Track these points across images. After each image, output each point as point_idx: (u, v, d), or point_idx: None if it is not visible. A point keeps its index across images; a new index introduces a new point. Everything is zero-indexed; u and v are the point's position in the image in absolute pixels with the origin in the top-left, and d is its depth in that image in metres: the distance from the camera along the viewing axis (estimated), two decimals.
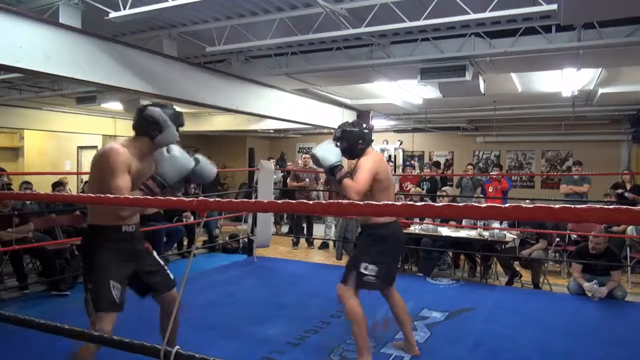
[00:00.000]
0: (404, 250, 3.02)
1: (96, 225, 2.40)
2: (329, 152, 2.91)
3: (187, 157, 2.42)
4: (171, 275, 2.61)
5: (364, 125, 3.09)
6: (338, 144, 3.00)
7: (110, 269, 2.33)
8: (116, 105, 8.52)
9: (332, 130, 11.63)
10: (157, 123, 2.41)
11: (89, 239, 2.43)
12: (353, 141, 3.00)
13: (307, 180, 8.20)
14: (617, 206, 0.97)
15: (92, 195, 2.16)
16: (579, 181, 7.21)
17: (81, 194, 7.69)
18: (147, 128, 2.43)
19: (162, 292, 2.56)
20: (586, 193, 7.18)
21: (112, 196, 2.01)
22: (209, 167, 2.57)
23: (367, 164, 2.89)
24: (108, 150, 2.33)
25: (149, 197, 2.19)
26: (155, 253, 2.63)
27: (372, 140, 3.10)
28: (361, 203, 1.28)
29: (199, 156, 2.53)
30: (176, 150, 2.40)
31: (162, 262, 2.63)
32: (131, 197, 2.20)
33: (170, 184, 2.37)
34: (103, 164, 2.32)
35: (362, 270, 2.90)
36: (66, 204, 6.11)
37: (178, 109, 2.57)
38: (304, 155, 9.52)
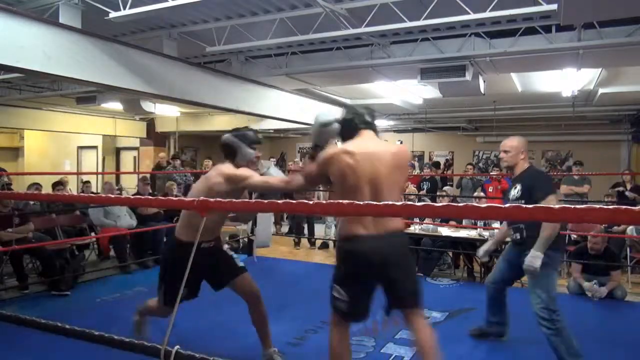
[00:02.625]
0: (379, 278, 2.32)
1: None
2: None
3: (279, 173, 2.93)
4: (239, 263, 3.01)
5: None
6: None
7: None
8: (116, 105, 8.52)
9: None
10: (230, 147, 2.85)
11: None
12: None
13: None
14: (617, 206, 0.97)
15: (92, 195, 2.16)
16: (580, 181, 7.20)
17: (81, 194, 7.69)
18: (227, 153, 2.87)
19: (230, 280, 2.94)
20: (586, 193, 7.17)
21: (112, 196, 2.00)
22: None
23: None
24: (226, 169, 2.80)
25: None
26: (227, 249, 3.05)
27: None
28: (361, 203, 1.27)
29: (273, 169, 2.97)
30: (272, 170, 2.92)
31: (231, 253, 3.04)
32: (142, 197, 2.25)
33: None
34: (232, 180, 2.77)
35: (334, 293, 2.36)
36: (66, 204, 6.11)
37: (251, 133, 2.96)
38: (307, 156, 9.53)
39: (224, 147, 2.88)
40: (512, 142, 3.33)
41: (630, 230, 5.88)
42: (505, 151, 3.31)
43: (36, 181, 6.64)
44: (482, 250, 3.58)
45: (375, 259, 2.27)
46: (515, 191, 3.15)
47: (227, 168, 2.80)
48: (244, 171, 2.79)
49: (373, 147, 2.40)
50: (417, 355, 2.51)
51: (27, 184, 6.69)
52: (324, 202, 1.35)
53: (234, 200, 1.63)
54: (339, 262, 2.39)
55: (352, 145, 2.38)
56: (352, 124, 2.50)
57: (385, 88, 7.78)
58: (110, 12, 4.28)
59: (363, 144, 2.39)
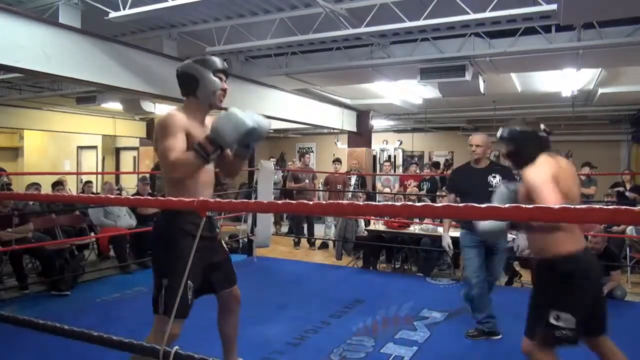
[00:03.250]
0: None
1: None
2: None
3: (246, 115, 2.10)
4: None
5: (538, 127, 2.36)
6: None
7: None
8: (116, 105, 8.52)
9: (332, 131, 11.60)
10: (191, 76, 2.22)
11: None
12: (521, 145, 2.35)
13: (307, 181, 8.20)
14: (617, 206, 0.97)
15: (92, 195, 2.16)
16: (587, 183, 7.17)
17: (81, 194, 7.69)
18: (187, 87, 2.25)
19: (224, 288, 2.45)
20: (593, 195, 7.13)
21: (112, 196, 2.00)
22: (265, 122, 2.22)
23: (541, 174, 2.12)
24: (162, 116, 2.17)
25: (201, 159, 2.01)
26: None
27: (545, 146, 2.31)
28: (360, 204, 1.27)
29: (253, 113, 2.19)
30: (235, 109, 2.12)
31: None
32: (142, 197, 2.14)
33: (227, 142, 2.05)
34: (157, 132, 2.12)
35: (552, 321, 2.07)
36: (66, 204, 6.11)
37: (215, 58, 2.31)
38: (307, 156, 9.52)
39: (181, 79, 2.27)
40: (482, 138, 3.71)
41: (630, 230, 5.88)
42: (478, 145, 3.67)
43: (36, 181, 6.64)
44: (448, 245, 3.99)
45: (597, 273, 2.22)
46: (495, 180, 3.56)
47: (162, 121, 2.14)
48: (171, 139, 2.06)
49: None
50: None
51: (27, 184, 6.69)
52: (324, 202, 1.35)
53: (233, 200, 1.61)
54: (561, 284, 2.09)
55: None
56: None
57: (385, 88, 7.78)
58: (110, 12, 4.28)
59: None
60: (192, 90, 2.23)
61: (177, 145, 2.04)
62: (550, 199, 1.96)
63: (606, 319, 2.24)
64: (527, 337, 2.18)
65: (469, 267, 3.64)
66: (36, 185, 6.29)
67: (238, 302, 2.55)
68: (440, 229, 5.82)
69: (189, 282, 2.10)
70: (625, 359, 2.27)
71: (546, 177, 2.06)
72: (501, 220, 2.10)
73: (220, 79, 2.27)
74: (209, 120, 2.31)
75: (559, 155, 2.33)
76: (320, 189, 9.17)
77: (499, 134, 2.50)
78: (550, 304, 2.08)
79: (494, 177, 3.60)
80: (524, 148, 2.30)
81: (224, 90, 2.31)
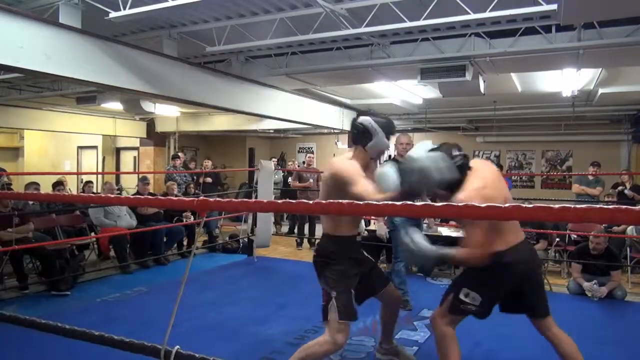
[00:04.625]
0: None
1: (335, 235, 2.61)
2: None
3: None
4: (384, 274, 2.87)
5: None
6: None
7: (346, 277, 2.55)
8: (116, 105, 8.52)
9: (332, 131, 11.62)
10: (367, 131, 2.52)
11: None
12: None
13: (311, 180, 8.20)
14: (617, 206, 0.97)
15: (92, 195, 2.16)
16: (593, 183, 7.11)
17: (81, 193, 7.69)
18: (359, 137, 2.55)
19: (381, 289, 2.78)
20: (598, 196, 7.06)
21: (112, 196, 2.00)
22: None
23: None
24: (337, 164, 2.52)
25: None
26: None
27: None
28: (360, 203, 1.27)
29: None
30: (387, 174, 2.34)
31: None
32: (142, 197, 2.19)
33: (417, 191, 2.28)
34: (337, 179, 2.43)
35: (461, 296, 2.44)
36: (66, 204, 6.11)
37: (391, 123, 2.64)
38: (308, 155, 9.53)
39: (357, 129, 2.55)
40: (410, 138, 4.21)
41: (630, 230, 5.88)
42: (407, 144, 4.16)
43: (37, 181, 6.64)
44: (382, 235, 4.38)
45: (519, 271, 2.46)
46: None
47: (342, 162, 2.51)
48: (353, 174, 2.38)
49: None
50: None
51: (26, 184, 6.69)
52: (323, 202, 1.35)
53: (233, 200, 1.61)
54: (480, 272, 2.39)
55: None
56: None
57: (385, 88, 7.78)
58: (110, 12, 4.27)
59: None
60: (365, 142, 2.55)
61: (368, 188, 2.33)
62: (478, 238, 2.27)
63: (537, 306, 2.51)
64: (439, 305, 2.54)
65: (397, 247, 4.21)
66: (35, 185, 6.29)
67: (395, 296, 2.97)
68: (440, 229, 5.83)
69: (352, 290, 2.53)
70: (572, 344, 2.46)
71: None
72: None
73: (389, 139, 2.60)
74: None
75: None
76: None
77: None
78: (465, 283, 2.45)
79: None
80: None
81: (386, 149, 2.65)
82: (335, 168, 2.50)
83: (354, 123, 2.58)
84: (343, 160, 2.55)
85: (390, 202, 1.22)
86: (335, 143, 12.19)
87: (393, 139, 2.64)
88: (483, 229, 2.23)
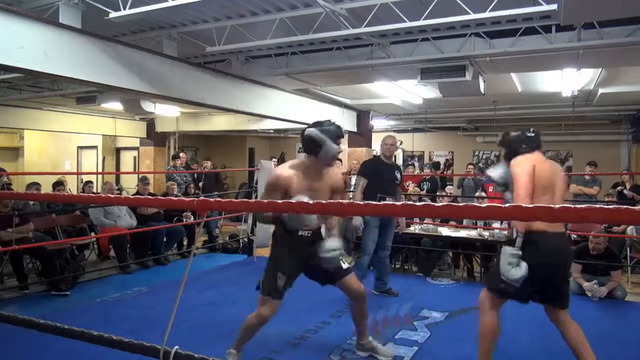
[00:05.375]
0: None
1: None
2: None
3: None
4: (343, 265, 2.96)
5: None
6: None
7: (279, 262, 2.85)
8: (116, 105, 8.52)
9: None
10: (315, 142, 2.73)
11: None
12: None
13: None
14: (617, 206, 0.97)
15: (92, 195, 2.16)
16: (590, 182, 7.12)
17: (81, 193, 7.69)
18: (310, 149, 2.76)
19: (333, 279, 2.98)
20: (595, 195, 7.08)
21: (112, 196, 2.00)
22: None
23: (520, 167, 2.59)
24: (274, 174, 2.84)
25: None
26: None
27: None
28: (361, 203, 1.27)
29: None
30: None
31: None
32: (142, 197, 2.20)
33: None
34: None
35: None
36: (66, 204, 6.11)
37: (335, 124, 2.82)
38: None
39: (307, 142, 2.77)
40: (394, 139, 4.68)
41: (631, 230, 5.88)
42: (392, 144, 4.61)
43: (36, 181, 6.64)
44: (359, 227, 4.61)
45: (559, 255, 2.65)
46: (399, 176, 4.68)
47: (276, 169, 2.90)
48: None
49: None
50: None
51: (27, 184, 6.69)
52: (323, 202, 1.35)
53: (233, 200, 1.61)
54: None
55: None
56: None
57: (385, 88, 7.78)
58: (110, 12, 4.27)
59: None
60: (315, 153, 2.76)
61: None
62: (523, 190, 2.49)
63: (564, 296, 2.67)
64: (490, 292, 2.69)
65: (370, 243, 4.54)
66: (37, 185, 6.29)
67: (355, 290, 3.07)
68: (440, 229, 5.83)
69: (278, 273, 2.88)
70: (583, 336, 2.65)
71: (525, 171, 2.53)
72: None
73: (338, 143, 2.78)
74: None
75: (547, 156, 2.81)
76: None
77: (497, 139, 2.92)
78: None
79: (397, 173, 4.67)
80: (514, 149, 2.72)
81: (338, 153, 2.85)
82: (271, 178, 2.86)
83: (302, 136, 2.80)
84: (278, 168, 2.90)
85: (390, 203, 1.22)
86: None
87: (342, 142, 2.86)
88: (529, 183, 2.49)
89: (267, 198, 2.69)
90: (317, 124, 2.79)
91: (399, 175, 4.68)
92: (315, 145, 2.72)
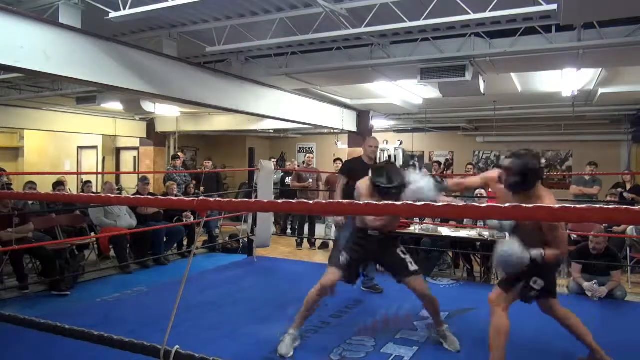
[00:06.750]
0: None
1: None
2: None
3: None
4: (410, 268, 3.38)
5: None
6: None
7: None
8: (116, 105, 8.52)
9: (332, 131, 11.60)
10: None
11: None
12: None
13: (310, 180, 8.20)
14: (617, 206, 0.97)
15: (92, 195, 2.16)
16: (590, 182, 7.12)
17: (81, 193, 7.69)
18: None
19: (399, 278, 3.43)
20: (596, 195, 7.09)
21: (112, 196, 2.00)
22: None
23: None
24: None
25: None
26: (400, 251, 3.47)
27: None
28: (360, 203, 1.27)
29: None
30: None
31: (404, 257, 3.46)
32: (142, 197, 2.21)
33: None
34: None
35: (531, 284, 2.79)
36: (66, 204, 6.11)
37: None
38: (308, 155, 9.52)
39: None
40: (377, 141, 4.77)
41: (631, 230, 5.88)
42: (376, 147, 4.72)
43: (36, 181, 6.64)
44: (339, 223, 4.61)
45: None
46: None
47: None
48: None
49: None
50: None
51: (24, 184, 6.70)
52: (324, 201, 1.35)
53: (233, 200, 1.61)
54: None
55: None
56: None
57: (385, 88, 7.78)
58: (110, 12, 4.27)
59: None
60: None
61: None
62: (564, 238, 2.72)
63: (554, 286, 2.93)
64: (499, 287, 2.90)
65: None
66: (30, 184, 6.28)
67: (422, 294, 3.46)
68: (440, 229, 5.83)
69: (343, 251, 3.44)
70: (576, 319, 2.92)
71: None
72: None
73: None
74: None
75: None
76: (322, 188, 9.17)
77: (505, 163, 2.77)
78: (536, 274, 2.76)
79: None
80: (526, 179, 2.66)
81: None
82: None
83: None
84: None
85: (390, 203, 1.22)
86: (335, 143, 12.19)
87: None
88: (563, 229, 2.66)
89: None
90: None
91: None
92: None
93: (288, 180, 9.05)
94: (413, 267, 3.39)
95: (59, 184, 6.66)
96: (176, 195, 6.75)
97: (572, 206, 1.00)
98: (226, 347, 3.33)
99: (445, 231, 5.83)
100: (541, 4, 3.84)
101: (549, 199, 2.67)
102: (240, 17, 4.85)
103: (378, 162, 4.93)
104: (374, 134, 10.63)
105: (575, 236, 6.10)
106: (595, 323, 4.01)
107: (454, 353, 3.33)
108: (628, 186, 7.13)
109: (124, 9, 4.16)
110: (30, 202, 5.88)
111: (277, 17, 4.69)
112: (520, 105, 9.09)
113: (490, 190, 7.48)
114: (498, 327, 2.77)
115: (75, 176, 11.93)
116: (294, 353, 3.25)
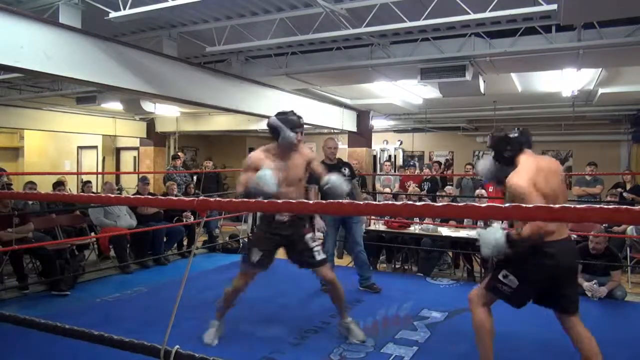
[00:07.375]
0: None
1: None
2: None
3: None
4: (317, 257, 3.32)
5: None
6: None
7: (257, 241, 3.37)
8: (116, 105, 8.52)
9: (332, 131, 11.61)
10: (275, 129, 3.17)
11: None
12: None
13: None
14: (617, 206, 0.97)
15: (92, 195, 2.16)
16: (592, 182, 7.16)
17: (81, 193, 7.69)
18: (272, 135, 3.20)
19: (305, 267, 3.39)
20: (599, 194, 7.12)
21: (112, 196, 2.00)
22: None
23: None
24: (249, 156, 3.29)
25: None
26: (309, 237, 3.36)
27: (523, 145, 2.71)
28: (361, 203, 1.27)
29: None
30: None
31: (312, 245, 3.34)
32: (142, 197, 2.21)
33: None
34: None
35: (500, 277, 2.61)
36: (66, 204, 6.11)
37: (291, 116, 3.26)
38: None
39: (269, 129, 3.20)
40: (336, 142, 4.87)
41: (631, 230, 5.88)
42: (335, 148, 4.80)
43: (36, 181, 6.63)
44: (322, 229, 4.74)
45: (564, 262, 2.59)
46: (346, 172, 4.69)
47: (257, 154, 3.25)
48: (245, 168, 3.20)
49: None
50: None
51: (24, 184, 6.69)
52: (324, 202, 1.35)
53: (233, 200, 1.62)
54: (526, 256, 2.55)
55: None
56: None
57: (385, 88, 7.78)
58: (110, 12, 4.28)
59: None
60: (276, 138, 3.20)
61: (243, 180, 3.11)
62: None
63: (569, 302, 2.62)
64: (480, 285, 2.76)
65: (329, 241, 4.85)
66: (30, 184, 6.28)
67: (328, 280, 3.47)
68: (440, 229, 5.83)
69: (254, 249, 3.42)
70: (593, 344, 2.55)
71: (527, 184, 2.43)
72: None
73: (296, 132, 3.21)
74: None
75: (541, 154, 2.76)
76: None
77: (487, 143, 2.87)
78: (506, 266, 2.61)
79: (345, 169, 4.76)
80: (501, 151, 2.69)
81: (299, 141, 3.27)
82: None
83: (267, 124, 3.22)
84: (253, 152, 3.33)
85: (390, 203, 1.22)
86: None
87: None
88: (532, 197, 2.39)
89: (244, 175, 3.10)
90: (279, 114, 3.23)
91: (347, 171, 4.75)
92: (275, 132, 3.16)
93: None
94: (320, 256, 3.33)
95: (59, 184, 6.66)
96: (176, 195, 6.75)
97: (572, 206, 1.00)
98: (226, 347, 3.33)
99: (445, 231, 5.83)
100: (541, 4, 3.85)
101: (521, 164, 2.56)
102: (240, 17, 4.85)
103: (337, 162, 4.90)
104: (374, 134, 10.65)
105: (575, 236, 6.10)
106: (595, 323, 4.01)
107: (453, 353, 3.33)
108: (628, 186, 7.14)
109: (124, 9, 4.16)
110: (30, 202, 5.87)
111: (277, 17, 4.69)
112: (520, 105, 9.09)
113: (491, 190, 7.53)
114: (478, 325, 2.72)
115: (75, 176, 11.93)
116: (294, 353, 3.25)
